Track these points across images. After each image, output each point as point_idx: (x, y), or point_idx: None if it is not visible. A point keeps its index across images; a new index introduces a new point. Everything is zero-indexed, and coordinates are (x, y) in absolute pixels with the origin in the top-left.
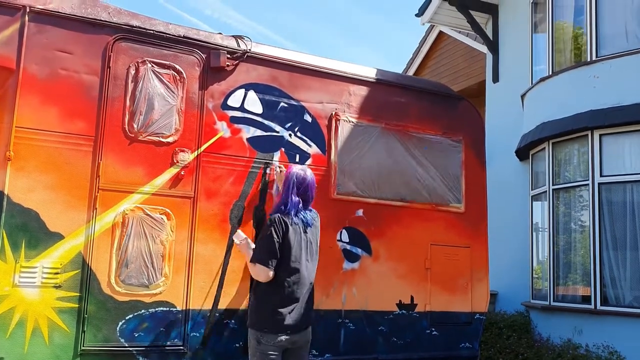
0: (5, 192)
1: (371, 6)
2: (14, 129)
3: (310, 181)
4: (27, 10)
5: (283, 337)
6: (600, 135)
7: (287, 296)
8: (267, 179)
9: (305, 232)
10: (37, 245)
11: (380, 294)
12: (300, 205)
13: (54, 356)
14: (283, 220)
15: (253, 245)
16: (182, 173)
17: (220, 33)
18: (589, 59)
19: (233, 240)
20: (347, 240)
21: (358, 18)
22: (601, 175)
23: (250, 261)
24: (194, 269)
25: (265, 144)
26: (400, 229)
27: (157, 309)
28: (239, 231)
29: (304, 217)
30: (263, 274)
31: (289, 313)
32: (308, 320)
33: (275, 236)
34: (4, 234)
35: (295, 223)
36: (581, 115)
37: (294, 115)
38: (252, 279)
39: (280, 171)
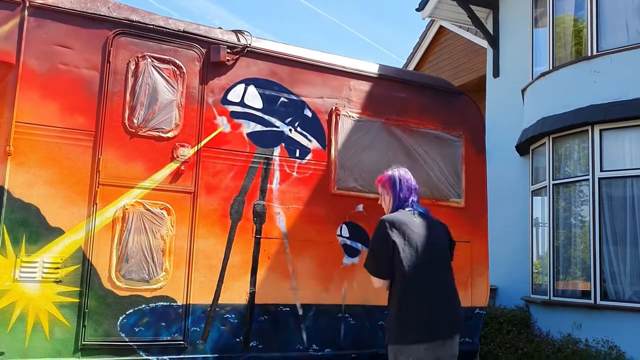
0: (6, 187)
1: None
2: (14, 124)
3: (413, 180)
4: (27, 4)
5: (422, 348)
6: (601, 130)
7: (416, 302)
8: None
9: (427, 229)
10: (37, 240)
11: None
12: (412, 199)
13: (55, 351)
14: (391, 220)
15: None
16: (183, 168)
17: (220, 28)
18: (589, 54)
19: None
20: (347, 235)
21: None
22: (601, 170)
23: (364, 266)
24: (194, 264)
25: (266, 139)
26: None
27: (157, 304)
28: None
29: (420, 211)
30: (375, 282)
31: (422, 320)
32: (450, 327)
33: (379, 243)
34: (5, 229)
35: (408, 222)
36: (582, 110)
37: (294, 110)
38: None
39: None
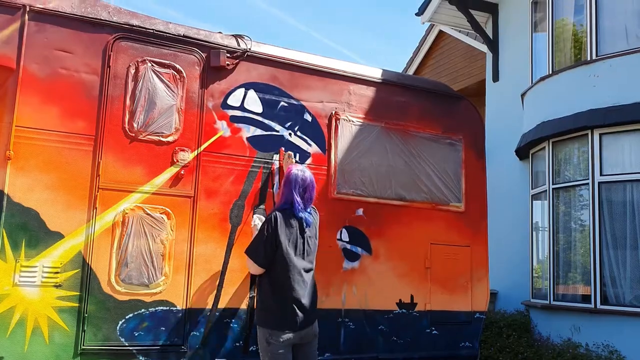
0: (6, 192)
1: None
2: (14, 129)
3: (310, 182)
4: (27, 9)
5: (290, 335)
6: (600, 135)
7: (288, 294)
8: (277, 164)
9: (303, 231)
10: (37, 245)
11: (380, 293)
12: (301, 205)
13: (54, 355)
14: (280, 217)
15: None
16: (182, 172)
17: (220, 32)
18: (589, 58)
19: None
20: (347, 240)
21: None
22: (601, 175)
23: (244, 252)
24: (194, 269)
25: (265, 143)
26: (400, 228)
27: (157, 308)
28: (259, 216)
29: (304, 217)
30: (252, 266)
31: (293, 310)
32: (312, 315)
33: (266, 232)
34: (4, 233)
35: (292, 222)
36: (581, 115)
37: (294, 114)
38: (253, 277)
39: (288, 157)
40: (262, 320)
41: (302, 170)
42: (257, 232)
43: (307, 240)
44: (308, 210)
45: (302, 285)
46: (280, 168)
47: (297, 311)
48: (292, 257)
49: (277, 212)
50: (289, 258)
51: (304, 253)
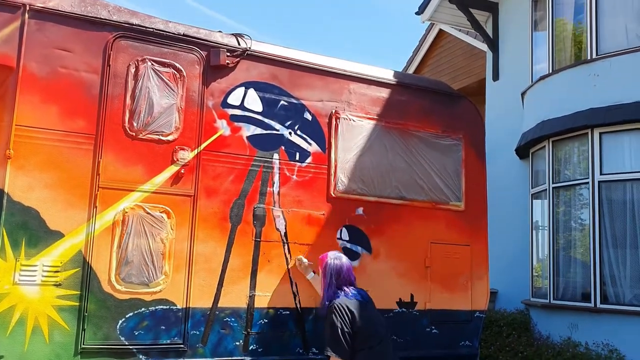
0: (6, 191)
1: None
2: (14, 127)
3: (347, 267)
4: (27, 8)
5: None
6: (600, 134)
7: None
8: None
9: (367, 305)
10: (37, 244)
11: (380, 292)
12: (346, 290)
13: (54, 354)
14: (342, 304)
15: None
16: (182, 171)
17: (220, 31)
18: (589, 57)
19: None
20: (347, 239)
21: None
22: (601, 174)
23: (327, 349)
24: (194, 267)
25: (266, 142)
26: (400, 227)
27: (157, 307)
28: (304, 260)
29: (355, 295)
30: None
31: None
32: None
33: (338, 324)
34: (4, 232)
35: (354, 303)
36: (581, 114)
37: (294, 113)
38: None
39: (300, 264)
40: None
41: (337, 258)
42: (328, 324)
43: (374, 312)
44: (355, 289)
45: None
46: (281, 180)
47: None
48: (371, 337)
49: (337, 301)
50: (370, 338)
51: (376, 327)
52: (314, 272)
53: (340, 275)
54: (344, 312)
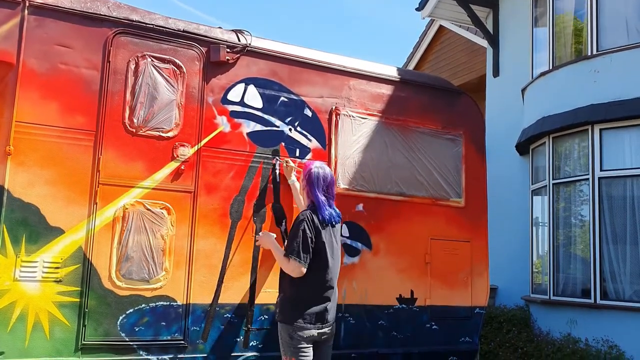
0: (6, 187)
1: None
2: (14, 124)
3: (331, 177)
4: (27, 4)
5: (315, 331)
6: (601, 130)
7: (320, 292)
8: (276, 172)
9: (332, 229)
10: (37, 240)
11: (380, 288)
12: (326, 204)
13: (55, 350)
14: (314, 217)
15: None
16: (183, 167)
17: (220, 27)
18: (589, 53)
19: (258, 238)
20: (347, 235)
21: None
22: (601, 170)
23: (284, 256)
24: (194, 264)
25: (266, 139)
26: (400, 224)
27: (157, 304)
28: (290, 163)
29: (330, 214)
30: (297, 269)
31: (321, 308)
32: (334, 314)
33: (308, 232)
34: (5, 229)
35: (324, 221)
36: (581, 110)
37: (294, 109)
38: (281, 275)
39: (287, 165)
40: (287, 317)
41: (321, 167)
42: (293, 235)
43: (335, 239)
44: (332, 207)
45: (331, 283)
46: (282, 176)
47: (328, 308)
48: (325, 256)
49: (309, 212)
50: (322, 257)
51: (333, 251)
52: (297, 179)
53: (326, 182)
54: (312, 226)
